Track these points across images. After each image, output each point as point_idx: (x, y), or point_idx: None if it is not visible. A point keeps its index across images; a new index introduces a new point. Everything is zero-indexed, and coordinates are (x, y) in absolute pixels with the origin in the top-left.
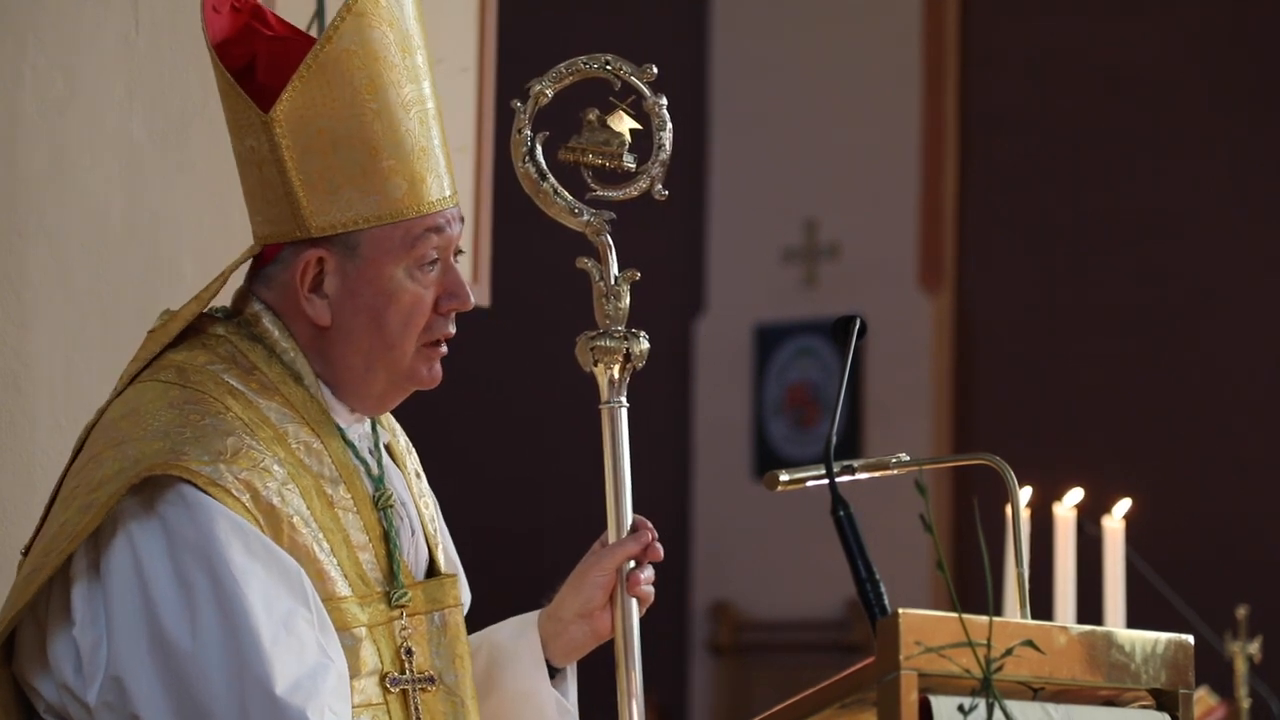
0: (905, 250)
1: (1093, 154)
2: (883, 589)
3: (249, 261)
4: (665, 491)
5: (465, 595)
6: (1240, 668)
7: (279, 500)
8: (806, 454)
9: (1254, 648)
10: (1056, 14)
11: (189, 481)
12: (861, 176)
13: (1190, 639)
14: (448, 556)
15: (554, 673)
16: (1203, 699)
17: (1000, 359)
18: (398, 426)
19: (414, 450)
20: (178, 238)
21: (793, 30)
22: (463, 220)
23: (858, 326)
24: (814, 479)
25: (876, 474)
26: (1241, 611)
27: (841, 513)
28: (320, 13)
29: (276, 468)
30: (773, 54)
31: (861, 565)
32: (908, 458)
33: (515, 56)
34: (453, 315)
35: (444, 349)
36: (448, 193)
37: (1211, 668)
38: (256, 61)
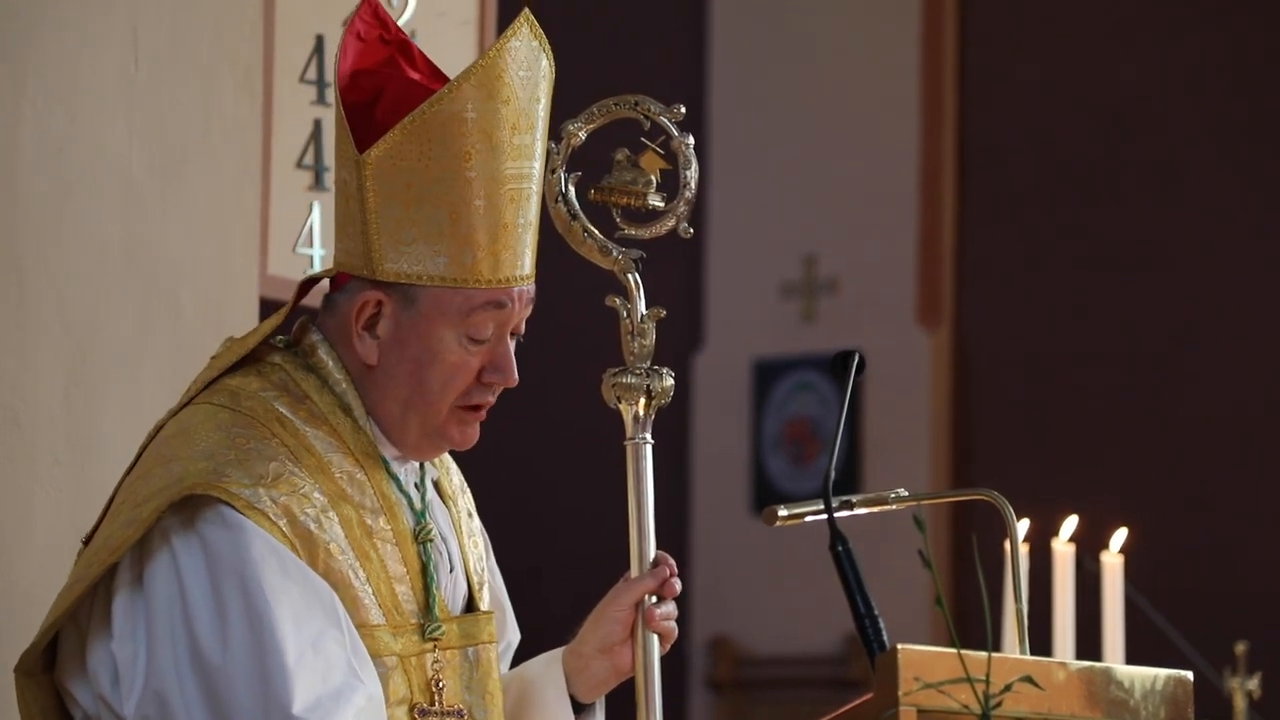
0: (904, 285)
1: (1091, 188)
2: (881, 624)
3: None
4: (663, 526)
5: (513, 634)
6: (1239, 704)
7: (316, 526)
8: (805, 489)
9: (1253, 684)
10: (1055, 47)
11: (227, 503)
12: (860, 211)
13: (1189, 675)
14: (493, 596)
15: (582, 708)
16: None
17: (999, 394)
18: (453, 465)
19: (468, 490)
20: (177, 271)
21: (791, 65)
22: (532, 302)
23: (856, 361)
24: (812, 514)
25: (875, 509)
26: (1241, 647)
27: (840, 548)
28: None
29: (317, 495)
30: (771, 88)
31: (860, 600)
32: (906, 493)
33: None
34: (495, 387)
35: (481, 414)
36: (521, 272)
37: (1211, 703)
38: (381, 98)
